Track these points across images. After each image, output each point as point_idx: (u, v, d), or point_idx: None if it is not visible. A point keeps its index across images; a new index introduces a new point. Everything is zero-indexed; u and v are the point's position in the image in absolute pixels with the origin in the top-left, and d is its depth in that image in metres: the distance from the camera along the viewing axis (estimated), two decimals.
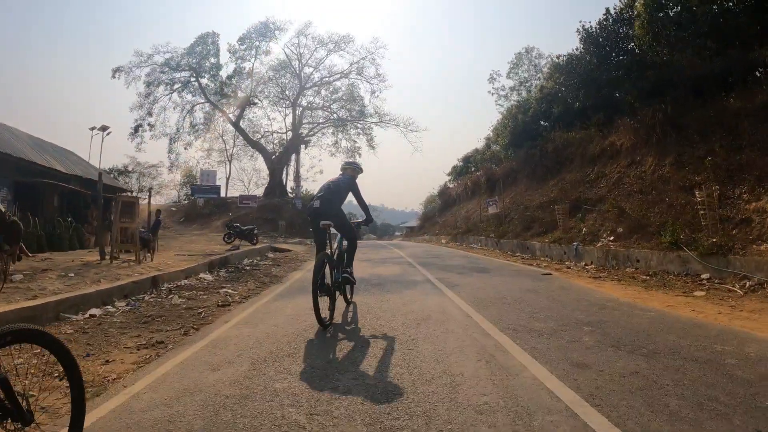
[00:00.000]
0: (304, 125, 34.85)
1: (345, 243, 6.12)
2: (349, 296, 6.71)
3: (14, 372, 2.38)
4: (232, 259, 13.96)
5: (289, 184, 35.35)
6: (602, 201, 17.83)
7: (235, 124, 34.31)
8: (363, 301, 7.03)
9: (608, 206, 16.27)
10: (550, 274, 10.29)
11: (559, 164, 24.08)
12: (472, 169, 40.65)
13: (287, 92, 34.84)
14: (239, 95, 35.68)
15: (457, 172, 42.84)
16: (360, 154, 37.17)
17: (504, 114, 32.08)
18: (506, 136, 29.79)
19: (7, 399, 1.92)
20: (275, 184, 32.71)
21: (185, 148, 35.81)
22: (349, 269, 6.04)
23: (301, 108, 35.19)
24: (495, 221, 23.63)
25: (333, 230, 5.80)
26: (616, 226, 15.13)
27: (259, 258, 15.71)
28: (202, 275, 11.12)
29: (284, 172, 34.09)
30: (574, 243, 14.99)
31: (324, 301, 5.38)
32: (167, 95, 35.26)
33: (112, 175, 60.28)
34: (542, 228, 18.98)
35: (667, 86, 17.80)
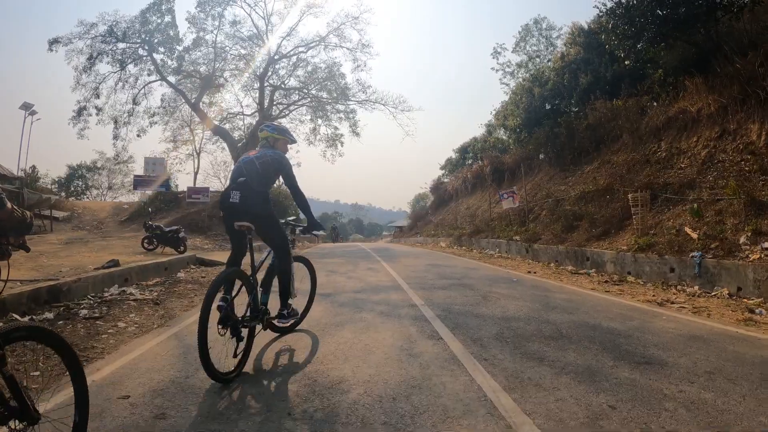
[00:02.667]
0: (275, 105, 27.54)
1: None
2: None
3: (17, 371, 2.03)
4: (82, 288, 6.80)
5: None
6: (692, 186, 11.22)
7: (194, 106, 26.90)
8: None
9: (727, 192, 9.60)
10: None
11: (597, 143, 17.45)
12: (469, 162, 33.82)
13: (255, 66, 27.41)
14: (202, 72, 28.27)
15: (453, 165, 35.94)
16: (342, 143, 29.98)
17: (514, 90, 25.21)
18: (518, 115, 22.92)
19: (14, 397, 1.75)
20: None
21: (138, 136, 28.27)
22: (285, 311, 3.89)
23: (271, 87, 27.81)
24: (516, 219, 16.72)
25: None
26: (759, 222, 8.48)
27: (158, 279, 8.59)
28: None
29: None
30: (695, 254, 8.12)
31: (226, 343, 3.20)
32: (116, 72, 27.75)
33: (80, 173, 52.85)
34: (598, 228, 12.09)
35: None
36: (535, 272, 9.56)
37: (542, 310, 5.20)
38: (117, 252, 13.48)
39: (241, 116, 29.21)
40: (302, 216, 4.36)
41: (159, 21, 28.06)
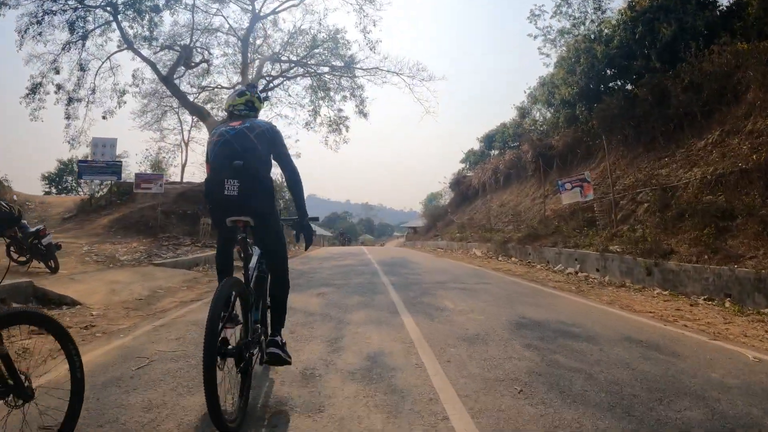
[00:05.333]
0: (264, 77, 21.89)
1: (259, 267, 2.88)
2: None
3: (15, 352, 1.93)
4: None
5: None
6: None
7: (166, 79, 21.39)
8: None
9: None
10: None
11: (709, 108, 11.73)
12: (495, 152, 27.96)
13: (236, 25, 21.70)
14: (182, 45, 22.83)
15: (476, 156, 30.08)
16: (347, 127, 24.36)
17: (562, 57, 19.29)
18: (574, 84, 17.06)
19: (9, 375, 1.82)
20: None
21: (104, 117, 22.88)
22: (278, 338, 2.70)
23: (260, 58, 22.18)
24: (604, 217, 10.86)
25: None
26: None
27: None
28: None
29: None
30: None
31: (227, 380, 2.31)
32: (76, 42, 22.38)
33: (71, 167, 47.88)
34: None
35: None
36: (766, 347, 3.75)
37: None
38: None
39: (217, 88, 23.63)
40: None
41: None
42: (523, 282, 7.94)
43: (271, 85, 21.92)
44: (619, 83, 16.58)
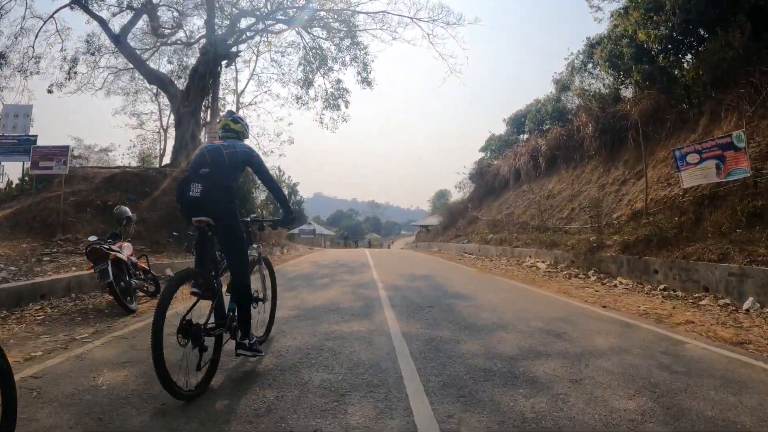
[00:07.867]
0: (239, 32, 16.90)
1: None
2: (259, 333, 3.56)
3: None
4: None
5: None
6: None
7: (117, 39, 16.56)
8: None
9: None
10: None
11: None
12: (525, 136, 22.95)
13: None
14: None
15: (501, 143, 25.05)
16: (347, 102, 19.47)
17: None
18: (661, 23, 12.03)
19: None
20: (181, 143, 15.16)
21: (50, 91, 18.29)
22: (246, 341, 3.00)
23: (236, 10, 17.21)
24: None
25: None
26: None
27: None
28: None
29: (200, 119, 15.89)
30: None
31: (187, 355, 2.59)
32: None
33: None
34: None
35: None
36: None
37: None
38: None
39: (176, 44, 18.74)
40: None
41: None
42: None
43: (245, 36, 16.98)
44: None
